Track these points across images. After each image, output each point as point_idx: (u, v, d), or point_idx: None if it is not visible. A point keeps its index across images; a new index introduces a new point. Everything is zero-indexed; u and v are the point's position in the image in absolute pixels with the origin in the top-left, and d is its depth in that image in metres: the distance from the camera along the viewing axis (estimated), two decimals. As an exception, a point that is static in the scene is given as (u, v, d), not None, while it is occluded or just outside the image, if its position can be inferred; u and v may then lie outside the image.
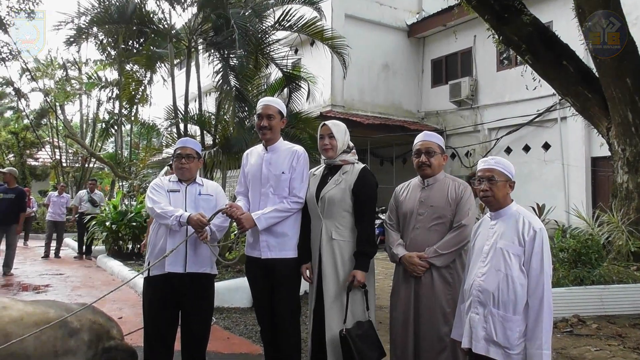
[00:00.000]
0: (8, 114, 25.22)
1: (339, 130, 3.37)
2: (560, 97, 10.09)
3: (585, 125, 10.95)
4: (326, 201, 3.27)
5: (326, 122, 3.42)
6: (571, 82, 7.77)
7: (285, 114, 3.57)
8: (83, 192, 12.02)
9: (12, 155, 21.62)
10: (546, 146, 12.87)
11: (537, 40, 7.75)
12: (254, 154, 3.64)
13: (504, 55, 13.78)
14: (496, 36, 8.35)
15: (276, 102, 3.55)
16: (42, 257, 11.23)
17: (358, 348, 2.99)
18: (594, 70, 7.63)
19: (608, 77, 7.17)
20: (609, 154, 7.91)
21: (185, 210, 3.45)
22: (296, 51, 14.53)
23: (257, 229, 3.33)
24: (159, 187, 3.58)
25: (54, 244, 11.68)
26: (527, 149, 13.33)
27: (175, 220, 3.32)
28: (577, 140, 11.96)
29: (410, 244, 3.21)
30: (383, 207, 12.95)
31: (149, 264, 3.53)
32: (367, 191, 3.27)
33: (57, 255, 11.51)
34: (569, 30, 9.18)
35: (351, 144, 3.44)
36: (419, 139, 3.30)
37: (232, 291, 6.21)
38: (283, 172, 3.40)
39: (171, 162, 3.90)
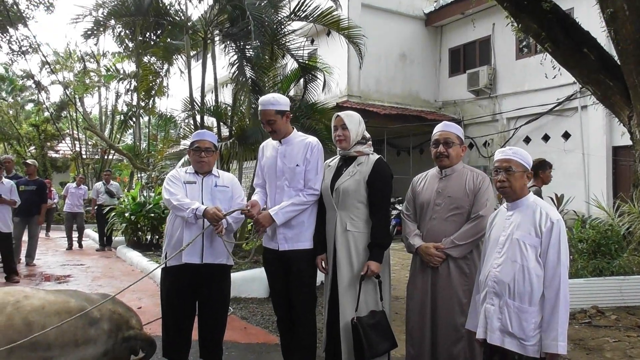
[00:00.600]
0: (29, 106, 25.63)
1: (352, 121, 3.35)
2: (580, 86, 9.90)
3: (607, 114, 10.73)
4: (340, 192, 3.27)
5: (339, 113, 3.40)
6: (592, 70, 7.60)
7: (286, 108, 3.46)
8: (99, 184, 12.09)
9: (34, 147, 21.97)
10: (566, 135, 12.68)
11: (557, 27, 7.59)
12: (269, 146, 3.64)
13: (523, 43, 13.56)
14: (515, 24, 8.20)
15: (272, 103, 3.43)
16: (66, 249, 11.42)
17: (368, 336, 3.01)
18: (616, 58, 7.46)
19: (630, 65, 7.00)
20: (630, 143, 7.76)
21: (202, 202, 3.49)
22: (312, 41, 14.48)
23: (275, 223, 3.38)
24: (175, 178, 3.62)
25: (74, 235, 11.86)
26: (546, 138, 13.14)
27: (191, 213, 3.35)
28: (598, 129, 11.76)
29: (427, 234, 3.20)
30: (400, 198, 12.92)
31: (166, 255, 3.59)
32: (381, 182, 3.26)
33: (80, 245, 11.68)
34: (590, 17, 9.00)
35: (367, 135, 3.42)
36: (437, 129, 3.28)
37: (249, 282, 6.26)
38: (297, 165, 3.41)
39: (188, 154, 3.92)
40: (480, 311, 2.62)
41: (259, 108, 3.48)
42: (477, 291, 2.72)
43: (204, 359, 3.70)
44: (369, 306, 3.17)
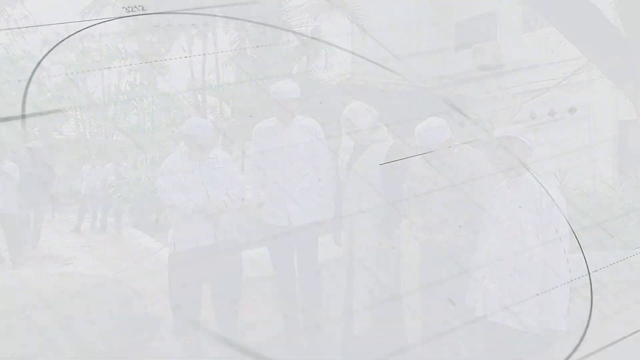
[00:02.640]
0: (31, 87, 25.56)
1: (359, 114, 3.29)
2: (587, 60, 9.75)
3: (613, 88, 10.59)
4: (354, 176, 3.30)
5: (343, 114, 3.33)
6: (598, 44, 7.50)
7: (298, 94, 3.51)
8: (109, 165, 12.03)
9: (37, 129, 21.96)
10: (572, 110, 12.53)
11: (564, 0, 7.46)
12: (268, 130, 3.64)
13: (530, 17, 13.32)
14: (521, -3, 8.07)
15: (288, 93, 3.46)
16: (72, 230, 11.45)
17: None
18: (623, 31, 7.34)
19: (637, 38, 6.90)
20: (636, 117, 7.68)
21: (205, 188, 3.52)
22: (316, 18, 14.27)
23: (283, 200, 3.50)
24: (169, 171, 3.58)
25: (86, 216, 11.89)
26: (552, 113, 13.00)
27: (189, 210, 3.43)
28: (605, 104, 11.60)
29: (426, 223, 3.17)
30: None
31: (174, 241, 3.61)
32: (391, 167, 3.22)
33: (95, 228, 11.64)
34: (597, -11, 8.81)
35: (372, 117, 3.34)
36: (417, 133, 3.05)
37: (256, 260, 6.26)
38: (304, 147, 3.45)
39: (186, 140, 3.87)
40: (480, 288, 2.61)
41: (275, 97, 3.46)
42: (477, 269, 2.70)
43: (217, 332, 3.75)
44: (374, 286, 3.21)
